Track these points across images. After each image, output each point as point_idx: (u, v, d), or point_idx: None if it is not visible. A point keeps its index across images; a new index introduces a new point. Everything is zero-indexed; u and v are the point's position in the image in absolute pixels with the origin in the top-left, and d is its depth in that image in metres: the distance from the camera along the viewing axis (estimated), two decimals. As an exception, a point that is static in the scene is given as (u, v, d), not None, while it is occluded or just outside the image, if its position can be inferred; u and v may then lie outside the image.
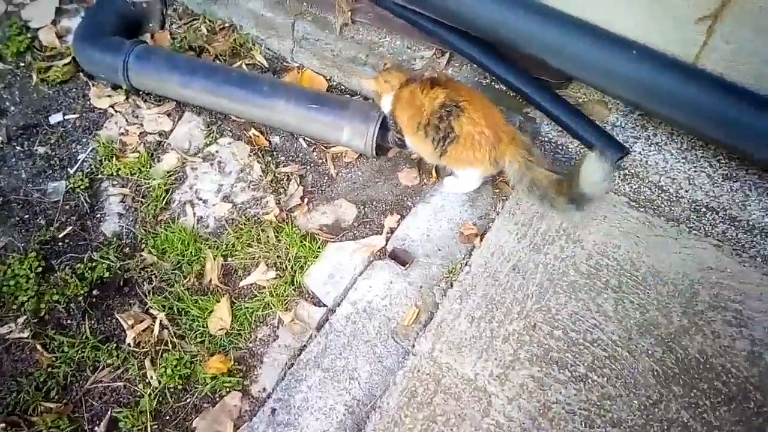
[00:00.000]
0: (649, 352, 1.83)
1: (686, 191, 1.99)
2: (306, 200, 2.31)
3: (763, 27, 1.70)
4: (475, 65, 2.22)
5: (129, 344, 1.99)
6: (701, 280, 1.93)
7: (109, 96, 2.56)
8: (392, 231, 2.17)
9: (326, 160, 2.41)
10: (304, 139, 2.46)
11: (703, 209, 1.98)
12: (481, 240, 2.08)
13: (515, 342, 1.86)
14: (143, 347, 1.98)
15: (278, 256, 2.15)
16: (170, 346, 1.99)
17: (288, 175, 2.37)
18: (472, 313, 1.91)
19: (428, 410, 1.76)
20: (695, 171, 2.00)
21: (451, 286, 1.99)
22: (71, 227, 2.22)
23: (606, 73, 1.98)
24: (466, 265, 2.02)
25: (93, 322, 2.03)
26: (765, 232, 1.92)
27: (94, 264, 2.12)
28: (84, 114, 2.53)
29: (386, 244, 2.13)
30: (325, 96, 2.39)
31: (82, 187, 2.30)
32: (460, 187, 2.14)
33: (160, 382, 1.92)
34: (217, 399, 1.91)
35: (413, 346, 1.90)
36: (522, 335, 1.87)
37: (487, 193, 2.20)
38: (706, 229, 1.99)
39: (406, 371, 1.82)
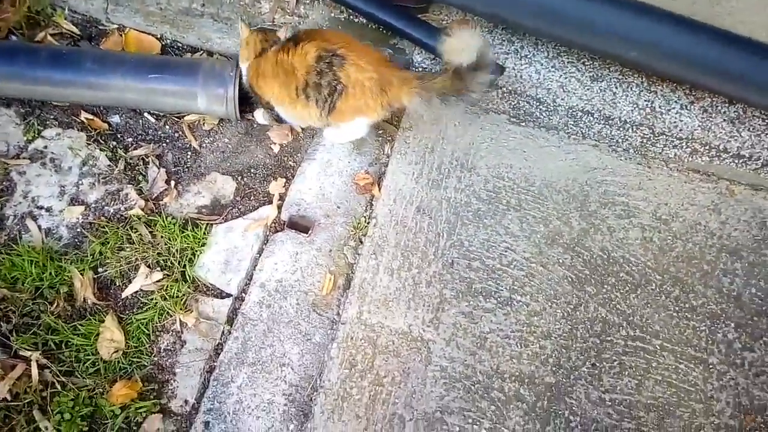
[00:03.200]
0: (560, 261, 1.90)
1: (562, 99, 2.04)
2: (173, 183, 2.02)
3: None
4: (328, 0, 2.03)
5: (6, 399, 1.64)
6: (589, 181, 2.02)
7: None
8: (282, 198, 1.98)
9: (183, 132, 2.11)
10: (150, 113, 2.12)
11: (579, 113, 2.04)
12: (379, 188, 1.98)
13: (438, 283, 1.83)
14: (24, 398, 1.65)
15: (159, 254, 1.88)
16: (59, 387, 1.68)
17: (143, 158, 2.05)
18: (390, 265, 1.84)
19: (372, 375, 1.69)
20: (566, 77, 2.04)
21: (361, 242, 1.89)
22: None
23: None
24: (371, 217, 1.92)
25: (-53, 387, 1.65)
26: (634, 124, 2.04)
27: (-77, 317, 1.70)
28: None
29: (280, 213, 1.95)
30: (166, 61, 2.05)
31: None
32: (343, 136, 1.99)
33: (59, 431, 1.63)
34: (135, 429, 1.67)
35: (339, 314, 1.80)
36: (443, 275, 1.84)
37: (372, 136, 2.08)
38: (584, 132, 2.07)
39: (339, 342, 1.72)
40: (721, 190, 2.05)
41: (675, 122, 2.03)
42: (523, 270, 1.87)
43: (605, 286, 1.87)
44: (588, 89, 2.04)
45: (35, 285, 1.79)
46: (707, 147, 2.03)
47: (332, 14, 2.09)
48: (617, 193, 2.01)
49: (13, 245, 1.84)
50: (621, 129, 2.04)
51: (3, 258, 1.81)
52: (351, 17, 2.09)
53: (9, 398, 1.65)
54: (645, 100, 2.04)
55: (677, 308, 1.86)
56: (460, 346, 1.75)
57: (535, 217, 1.95)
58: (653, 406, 1.73)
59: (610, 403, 1.72)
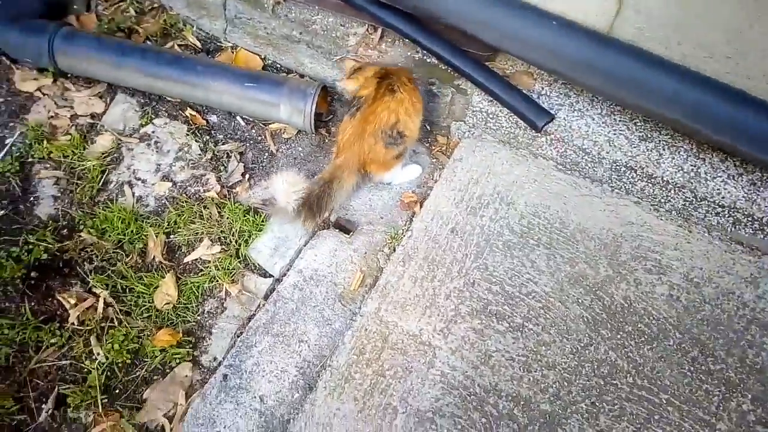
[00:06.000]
0: (579, 300, 1.96)
1: (607, 152, 2.14)
2: (247, 176, 2.33)
3: (667, -4, 1.87)
4: (407, 40, 2.29)
5: (72, 323, 1.96)
6: (624, 234, 2.08)
7: (35, 79, 2.48)
8: (335, 202, 2.22)
9: (265, 137, 2.43)
10: (242, 117, 2.48)
11: (623, 168, 2.13)
12: (421, 207, 2.16)
13: (456, 298, 1.96)
14: (87, 325, 1.96)
15: (222, 232, 2.17)
16: (116, 322, 1.98)
17: (227, 153, 2.39)
18: (415, 274, 2.00)
19: (377, 365, 1.83)
20: (615, 134, 2.15)
21: (394, 250, 2.07)
22: (3, 211, 2.15)
23: (530, 45, 2.10)
24: (407, 230, 2.10)
25: (33, 303, 1.98)
26: (677, 186, 2.09)
27: (30, 247, 2.06)
28: (9, 98, 2.45)
29: (330, 215, 2.18)
30: (261, 74, 2.41)
31: (12, 171, 2.23)
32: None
33: (107, 358, 1.91)
34: (168, 371, 1.92)
35: (360, 308, 1.97)
36: (462, 292, 1.97)
37: (425, 162, 2.29)
38: (627, 187, 2.15)
39: (354, 331, 1.89)
40: (763, 265, 2.03)
41: (718, 189, 2.05)
42: (540, 302, 1.95)
43: (620, 333, 1.91)
44: (635, 147, 2.13)
45: (118, 238, 2.13)
46: (751, 219, 2.03)
47: (408, 53, 2.36)
48: (651, 249, 2.05)
49: (110, 204, 2.21)
50: (663, 189, 2.10)
51: (99, 212, 2.18)
52: (424, 57, 2.34)
53: (76, 323, 1.97)
54: (691, 165, 2.09)
55: (692, 368, 1.85)
56: (465, 358, 1.85)
57: (563, 257, 2.04)
58: (647, 455, 1.72)
59: (602, 443, 1.74)
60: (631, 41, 2.01)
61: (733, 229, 2.07)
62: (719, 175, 2.08)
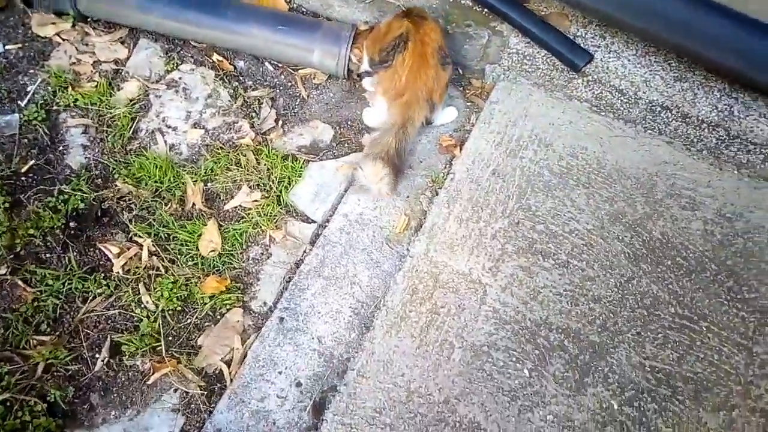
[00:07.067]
0: (620, 237, 2.02)
1: (644, 93, 2.17)
2: (280, 123, 2.30)
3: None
4: (440, -18, 2.27)
5: (118, 272, 1.94)
6: (658, 172, 2.13)
7: (54, 24, 2.38)
8: (373, 147, 2.21)
9: (296, 83, 2.40)
10: (270, 63, 2.43)
11: (658, 108, 2.17)
12: (460, 150, 2.17)
13: (502, 238, 1.99)
14: (134, 274, 1.94)
15: (260, 178, 2.15)
16: (162, 270, 1.96)
17: (258, 99, 2.35)
18: (460, 215, 2.02)
19: (430, 304, 1.87)
20: (650, 74, 2.18)
21: (437, 194, 2.09)
22: (33, 161, 2.10)
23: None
24: (449, 173, 2.12)
25: (75, 253, 1.96)
26: (711, 125, 2.14)
27: (66, 196, 2.02)
28: (27, 44, 2.35)
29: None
30: (293, 17, 2.36)
31: (38, 119, 2.16)
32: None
33: (157, 306, 1.90)
34: (219, 317, 1.92)
35: (408, 250, 1.99)
36: (507, 232, 2.01)
37: (460, 105, 2.29)
38: (660, 128, 2.19)
39: (405, 271, 1.92)
40: (791, 200, 2.11)
41: (751, 128, 2.11)
42: (583, 239, 2.00)
43: (660, 267, 1.98)
44: (670, 87, 2.16)
45: (156, 186, 2.10)
46: (782, 156, 2.11)
47: (442, -6, 2.34)
48: (685, 187, 2.11)
49: (143, 152, 2.17)
50: (697, 128, 2.15)
51: (133, 160, 2.14)
52: (458, -1, 2.32)
53: (121, 272, 1.95)
54: (725, 104, 2.14)
55: (729, 297, 1.93)
56: (514, 294, 1.90)
57: (602, 195, 2.08)
58: (691, 379, 1.81)
59: (649, 369, 1.82)
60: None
61: (762, 166, 2.14)
62: (752, 113, 2.14)
